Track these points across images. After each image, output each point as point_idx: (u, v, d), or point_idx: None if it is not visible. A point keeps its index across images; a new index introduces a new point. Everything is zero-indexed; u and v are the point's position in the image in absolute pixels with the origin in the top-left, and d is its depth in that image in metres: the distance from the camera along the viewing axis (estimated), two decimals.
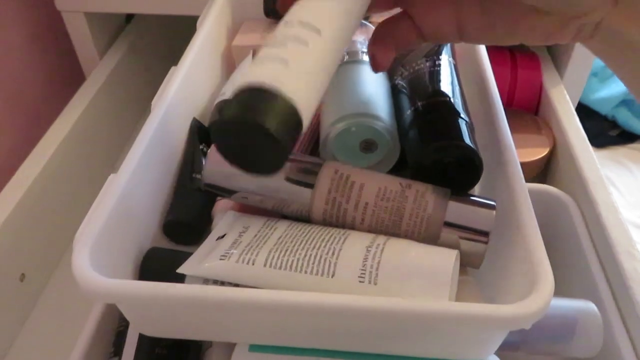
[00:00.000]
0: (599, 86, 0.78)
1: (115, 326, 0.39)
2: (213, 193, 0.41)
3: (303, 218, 0.34)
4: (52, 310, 0.50)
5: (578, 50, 0.60)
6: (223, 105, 0.26)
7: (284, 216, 0.35)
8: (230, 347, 0.38)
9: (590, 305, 0.36)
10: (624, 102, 0.77)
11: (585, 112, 0.83)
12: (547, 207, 0.48)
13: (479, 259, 0.32)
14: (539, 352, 0.36)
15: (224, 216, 0.36)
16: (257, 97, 0.25)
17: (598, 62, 0.70)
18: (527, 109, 0.62)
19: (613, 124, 0.80)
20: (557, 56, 0.65)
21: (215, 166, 0.34)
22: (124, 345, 0.37)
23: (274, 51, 0.26)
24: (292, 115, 0.25)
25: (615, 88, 0.77)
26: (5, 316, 0.47)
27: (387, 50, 0.33)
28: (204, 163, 0.36)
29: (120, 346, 0.37)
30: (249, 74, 0.26)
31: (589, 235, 0.44)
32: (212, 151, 0.35)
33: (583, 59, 0.61)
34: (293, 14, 0.28)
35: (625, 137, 0.79)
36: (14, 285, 0.48)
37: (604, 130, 0.82)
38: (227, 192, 0.35)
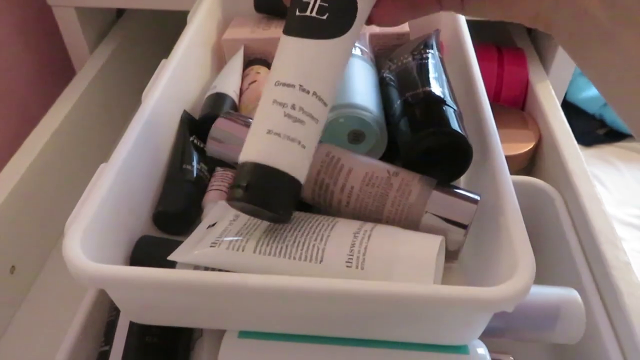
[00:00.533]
0: (587, 85, 0.79)
1: (105, 316, 0.39)
2: (203, 184, 0.41)
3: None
4: (43, 303, 0.50)
5: None
6: (244, 174, 0.29)
7: None
8: (221, 335, 0.38)
9: (573, 293, 0.37)
10: None
11: (573, 110, 0.84)
12: (533, 198, 0.49)
13: (457, 250, 0.32)
14: (523, 338, 0.37)
15: (215, 205, 0.36)
16: (271, 180, 0.29)
17: None
18: (514, 104, 0.63)
19: (601, 122, 0.81)
20: (543, 52, 0.66)
21: (221, 134, 0.38)
22: (114, 335, 0.37)
23: (289, 127, 0.29)
24: (297, 189, 0.29)
25: None
26: None
27: (400, 9, 0.32)
28: (209, 134, 0.38)
29: (111, 336, 0.37)
30: (266, 150, 0.28)
31: (573, 226, 0.45)
32: (219, 121, 0.37)
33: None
34: (298, 72, 0.29)
35: (612, 135, 0.80)
36: (4, 278, 0.48)
37: (591, 129, 0.83)
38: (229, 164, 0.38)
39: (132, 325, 0.37)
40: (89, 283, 0.28)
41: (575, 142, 0.52)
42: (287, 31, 0.30)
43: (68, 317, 0.39)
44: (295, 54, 0.29)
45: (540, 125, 0.58)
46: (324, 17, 0.29)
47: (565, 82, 0.65)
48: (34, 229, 0.52)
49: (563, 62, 0.63)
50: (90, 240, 0.29)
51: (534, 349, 0.43)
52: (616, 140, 0.81)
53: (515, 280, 0.27)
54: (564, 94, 0.66)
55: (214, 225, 0.34)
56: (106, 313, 0.40)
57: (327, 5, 0.29)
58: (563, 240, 0.45)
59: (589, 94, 0.79)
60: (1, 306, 0.48)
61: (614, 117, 0.79)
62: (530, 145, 0.56)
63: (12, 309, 0.49)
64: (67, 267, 0.28)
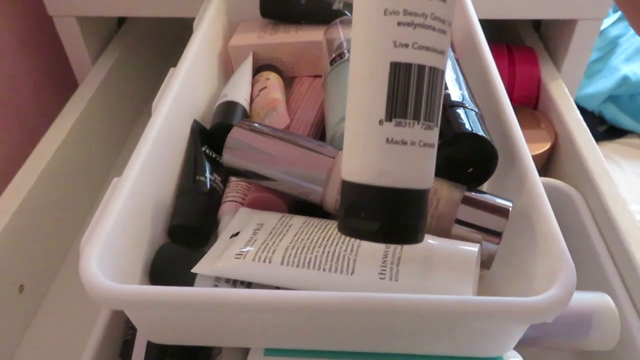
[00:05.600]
0: (586, 82, 0.78)
1: (121, 335, 0.38)
2: (217, 195, 0.40)
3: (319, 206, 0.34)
4: (52, 321, 0.49)
5: (575, 43, 0.60)
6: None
7: (299, 206, 0.34)
8: (240, 353, 0.37)
9: (606, 298, 0.35)
10: (611, 98, 0.78)
11: None
12: (553, 200, 0.47)
13: (489, 259, 0.31)
14: (554, 346, 0.36)
15: (237, 213, 0.35)
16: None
17: None
18: (526, 104, 0.62)
19: (601, 119, 0.80)
20: (554, 51, 0.65)
21: (238, 145, 0.36)
22: (131, 355, 0.36)
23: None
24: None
25: (602, 84, 0.77)
26: (4, 328, 0.45)
27: None
28: (225, 143, 0.36)
29: (128, 356, 0.36)
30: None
31: (597, 227, 0.44)
32: (235, 130, 0.35)
33: (580, 53, 0.61)
34: None
35: (613, 132, 0.80)
36: (13, 297, 0.46)
37: (591, 126, 0.82)
38: (246, 174, 0.36)
39: (150, 344, 0.35)
40: (108, 304, 0.27)
41: (593, 140, 0.51)
42: None
43: (78, 336, 0.38)
44: None
45: (556, 125, 0.56)
46: None
47: (578, 80, 0.64)
48: (42, 246, 0.50)
49: (574, 59, 0.62)
50: (107, 259, 0.28)
51: (562, 357, 0.42)
52: (616, 137, 0.80)
53: (556, 289, 0.25)
54: (576, 92, 0.65)
55: (237, 234, 0.32)
56: (121, 332, 0.38)
57: None
58: (588, 243, 0.44)
59: (588, 91, 0.78)
60: (10, 325, 0.46)
61: (614, 114, 0.78)
62: (547, 145, 0.54)
63: (22, 328, 0.47)
64: (74, 285, 0.26)
